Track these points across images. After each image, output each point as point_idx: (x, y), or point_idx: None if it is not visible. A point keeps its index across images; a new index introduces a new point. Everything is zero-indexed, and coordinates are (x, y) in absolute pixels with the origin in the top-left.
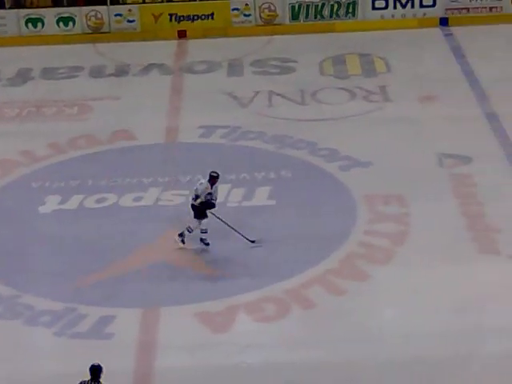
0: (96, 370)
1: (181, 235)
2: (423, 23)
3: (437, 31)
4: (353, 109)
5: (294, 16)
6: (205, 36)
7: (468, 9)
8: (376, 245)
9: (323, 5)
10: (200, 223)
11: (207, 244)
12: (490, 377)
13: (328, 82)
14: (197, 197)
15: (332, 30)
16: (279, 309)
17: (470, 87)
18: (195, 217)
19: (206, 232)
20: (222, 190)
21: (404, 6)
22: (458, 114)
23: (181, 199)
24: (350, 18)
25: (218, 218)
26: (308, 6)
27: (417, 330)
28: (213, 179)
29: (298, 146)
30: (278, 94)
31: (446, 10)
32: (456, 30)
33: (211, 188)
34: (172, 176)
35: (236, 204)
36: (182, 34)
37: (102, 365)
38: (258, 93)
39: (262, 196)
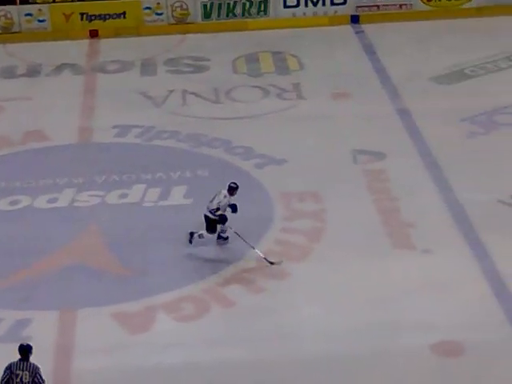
0: (25, 350)
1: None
2: (334, 21)
3: (348, 29)
4: (267, 107)
5: (206, 14)
6: (117, 35)
7: (378, 6)
8: (293, 242)
9: (235, 3)
10: (207, 235)
11: (191, 242)
12: (408, 371)
13: (241, 80)
14: (217, 209)
15: (244, 29)
16: (198, 308)
17: (382, 84)
18: (207, 229)
19: (202, 239)
20: (137, 190)
21: (315, 4)
22: (370, 111)
23: (96, 200)
24: (261, 16)
25: (239, 235)
26: (220, 4)
27: (335, 326)
28: (232, 190)
29: (213, 144)
30: (192, 93)
31: (357, 7)
32: (367, 28)
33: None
34: (87, 176)
35: (152, 204)
36: (93, 34)
37: (30, 344)
38: (171, 92)
39: (178, 195)
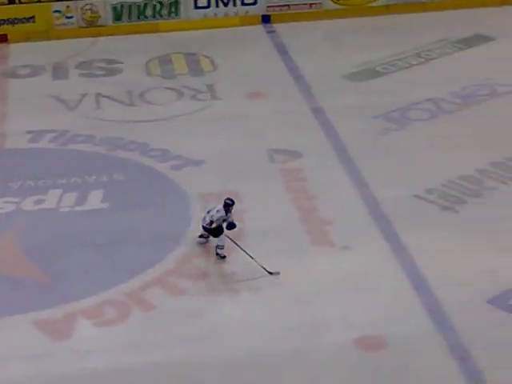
0: None
1: (218, 254)
2: (245, 21)
3: (259, 28)
4: (181, 108)
5: (117, 17)
6: (27, 39)
7: (289, 6)
8: (212, 243)
9: (146, 5)
10: (219, 239)
11: (223, 257)
12: (332, 367)
13: (155, 82)
14: (211, 223)
15: (156, 30)
16: (119, 312)
17: (295, 83)
18: (214, 236)
19: (222, 248)
20: (53, 195)
21: (226, 5)
22: (285, 110)
23: (12, 206)
24: (173, 18)
25: (237, 244)
26: (130, 6)
27: (257, 325)
28: (228, 206)
29: (129, 147)
30: (106, 96)
31: (268, 7)
32: (278, 27)
33: (226, 215)
34: (1, 183)
35: (68, 209)
36: (2, 38)
37: None
38: (84, 95)
39: (95, 200)
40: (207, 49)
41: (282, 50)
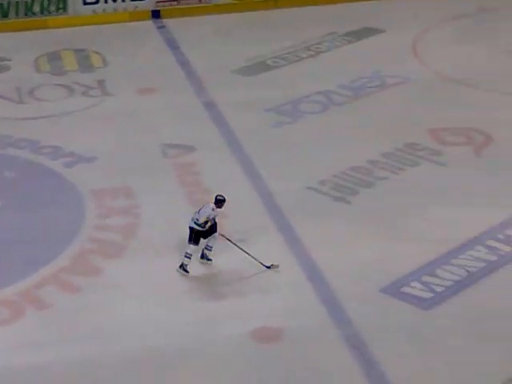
0: None
1: (203, 257)
2: (135, 16)
3: (150, 24)
4: (73, 105)
5: (4, 14)
6: None
7: (178, 0)
8: (107, 239)
9: (33, 1)
10: (209, 239)
11: (187, 271)
12: (229, 359)
13: (45, 78)
14: (206, 223)
15: (45, 27)
16: (13, 312)
17: (187, 77)
18: (190, 241)
19: (189, 258)
20: None
21: (115, 0)
22: (177, 105)
23: None
24: (61, 14)
25: (230, 240)
26: (17, 3)
27: (152, 322)
28: (220, 203)
29: (19, 145)
30: None
31: (157, 2)
32: (168, 22)
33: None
34: None
35: None
36: None
37: None
38: None
39: None
40: (97, 45)
41: (172, 45)
